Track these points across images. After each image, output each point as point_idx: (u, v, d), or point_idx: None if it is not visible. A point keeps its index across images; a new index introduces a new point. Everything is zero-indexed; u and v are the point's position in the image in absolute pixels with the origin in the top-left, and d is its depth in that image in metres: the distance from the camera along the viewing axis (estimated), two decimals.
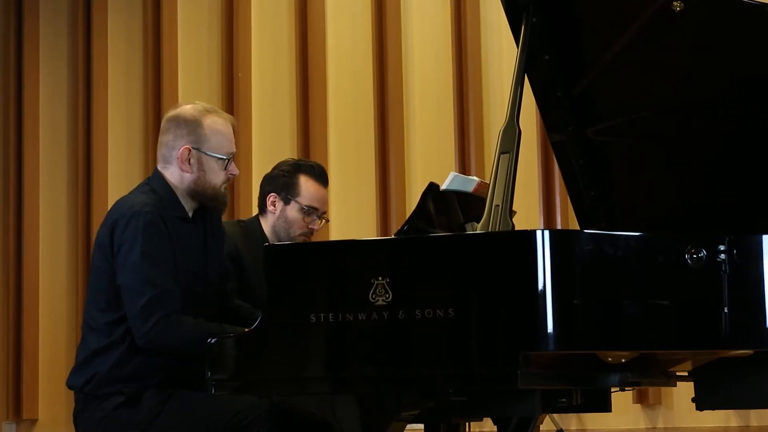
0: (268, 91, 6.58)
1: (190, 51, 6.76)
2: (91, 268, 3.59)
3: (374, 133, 6.30)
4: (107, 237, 3.49)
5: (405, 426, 3.24)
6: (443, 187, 3.40)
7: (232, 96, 6.61)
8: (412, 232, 3.14)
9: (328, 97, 6.45)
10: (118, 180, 6.73)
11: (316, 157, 6.33)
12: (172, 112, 3.64)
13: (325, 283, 2.96)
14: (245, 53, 6.62)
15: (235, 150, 3.64)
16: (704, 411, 3.36)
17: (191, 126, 3.57)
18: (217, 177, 3.59)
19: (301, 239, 4.12)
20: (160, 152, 3.62)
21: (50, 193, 7.00)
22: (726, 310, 2.84)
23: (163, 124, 3.64)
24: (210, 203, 3.61)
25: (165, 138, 3.61)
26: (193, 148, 3.55)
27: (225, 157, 3.57)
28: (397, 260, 2.91)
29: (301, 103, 6.48)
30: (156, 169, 3.62)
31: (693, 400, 3.32)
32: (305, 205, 4.10)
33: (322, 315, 2.90)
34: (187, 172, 3.56)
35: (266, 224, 4.12)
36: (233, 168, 3.62)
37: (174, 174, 3.58)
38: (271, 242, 4.07)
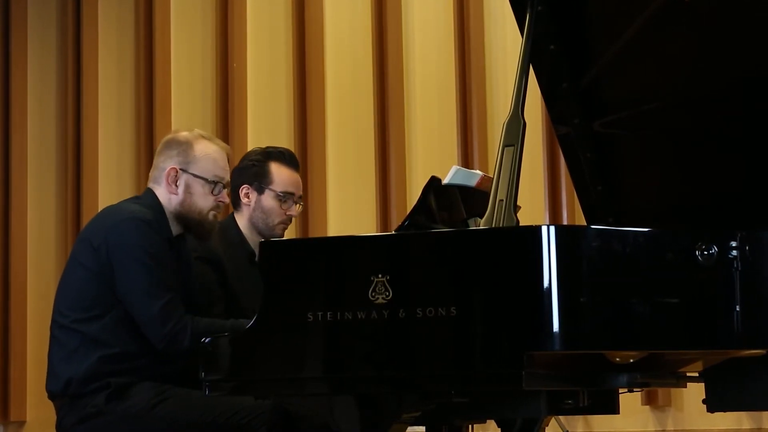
0: (264, 81, 6.58)
1: (184, 39, 6.76)
2: (72, 266, 3.59)
3: (374, 125, 6.30)
4: (101, 240, 3.50)
5: (406, 428, 3.24)
6: (445, 181, 3.41)
7: (227, 87, 6.61)
8: (413, 228, 3.14)
9: (326, 88, 6.45)
10: (109, 176, 6.73)
11: (313, 151, 6.34)
12: (168, 136, 3.74)
13: (323, 280, 2.96)
14: (240, 42, 6.62)
15: (226, 177, 3.69)
16: (715, 413, 3.37)
17: (182, 147, 3.66)
18: (203, 201, 3.64)
19: (280, 228, 4.14)
20: (152, 174, 3.71)
21: (38, 190, 7.00)
22: (738, 309, 2.85)
23: (158, 147, 3.73)
24: (195, 228, 3.66)
25: (157, 160, 3.70)
26: (180, 169, 3.62)
27: (212, 180, 3.61)
28: (398, 257, 2.92)
29: (298, 94, 6.48)
30: (148, 187, 3.67)
31: (704, 401, 3.33)
32: (280, 192, 4.12)
33: (320, 314, 2.90)
34: (174, 193, 3.63)
35: (242, 219, 4.13)
36: (223, 195, 3.67)
37: (163, 195, 3.65)
38: (249, 238, 4.10)
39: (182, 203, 3.63)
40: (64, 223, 6.93)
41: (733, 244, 2.86)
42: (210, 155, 3.66)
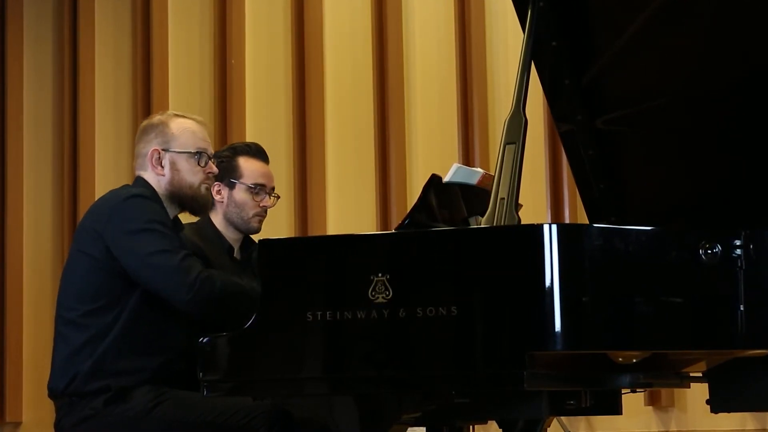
0: (263, 78, 6.58)
1: (181, 36, 6.76)
2: (74, 256, 3.59)
3: (374, 122, 6.29)
4: (102, 225, 3.51)
5: (406, 429, 3.25)
6: (446, 179, 3.41)
7: (225, 84, 6.61)
8: (413, 227, 3.15)
9: (326, 86, 6.44)
10: (106, 172, 6.73)
11: (313, 149, 6.34)
12: (142, 123, 3.75)
13: (322, 279, 2.96)
14: (239, 39, 6.62)
15: (208, 148, 3.70)
16: (719, 414, 3.37)
17: (158, 128, 3.68)
18: (193, 175, 3.65)
19: (256, 220, 4.17)
20: (136, 162, 3.72)
21: (35, 187, 7.00)
22: (742, 308, 2.85)
23: (136, 135, 3.74)
24: (190, 204, 3.67)
25: (137, 148, 3.72)
26: (162, 149, 3.63)
27: (195, 152, 3.62)
28: (398, 256, 2.92)
29: (297, 91, 6.48)
30: (137, 175, 3.69)
31: (707, 402, 3.33)
32: (251, 184, 4.15)
33: (319, 313, 2.90)
34: (161, 174, 3.64)
35: (217, 218, 4.16)
36: (210, 166, 3.67)
37: (151, 179, 3.67)
38: (226, 236, 4.13)
39: (171, 182, 3.64)
40: (61, 221, 6.93)
41: (737, 243, 2.86)
42: (188, 128, 3.68)
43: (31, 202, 7.00)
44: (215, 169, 3.73)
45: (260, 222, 4.18)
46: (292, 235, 6.16)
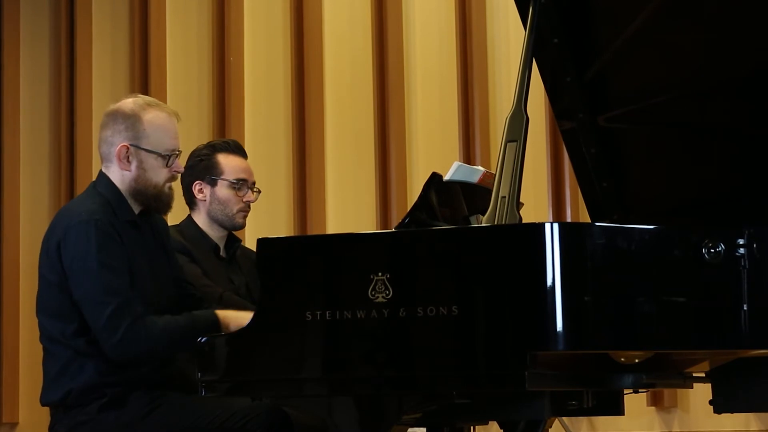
0: (262, 75, 6.58)
1: (179, 33, 6.75)
2: (40, 276, 3.57)
3: (374, 120, 6.29)
4: (54, 248, 3.48)
5: (406, 430, 3.24)
6: (447, 177, 3.41)
7: (224, 81, 6.61)
8: (413, 225, 3.14)
9: (325, 82, 6.44)
10: None
11: (312, 147, 6.34)
12: (111, 107, 3.64)
13: (321, 279, 2.96)
14: (237, 36, 6.62)
15: (178, 146, 3.62)
16: (722, 414, 3.37)
17: (129, 121, 3.57)
18: (158, 175, 3.58)
19: (240, 216, 4.18)
20: (100, 149, 3.62)
21: (31, 184, 6.99)
22: (745, 308, 2.85)
23: (102, 119, 3.64)
24: (152, 203, 3.60)
25: (103, 134, 3.61)
26: (131, 145, 3.55)
27: (165, 154, 3.57)
28: (398, 255, 2.92)
29: (296, 88, 6.48)
30: (100, 171, 3.62)
31: (711, 402, 3.33)
32: (233, 180, 4.17)
33: (318, 313, 2.90)
34: (126, 170, 3.56)
35: (200, 217, 4.17)
36: (177, 165, 3.61)
37: (115, 174, 3.58)
38: (210, 234, 4.14)
39: (136, 179, 3.57)
40: None
41: (741, 241, 2.86)
42: (161, 126, 3.58)
43: (27, 201, 6.99)
44: (181, 168, 3.68)
45: (244, 217, 4.20)
46: (292, 234, 6.16)
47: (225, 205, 4.16)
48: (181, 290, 3.70)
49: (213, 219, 4.16)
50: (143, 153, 3.56)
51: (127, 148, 3.55)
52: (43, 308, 3.55)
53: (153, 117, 3.59)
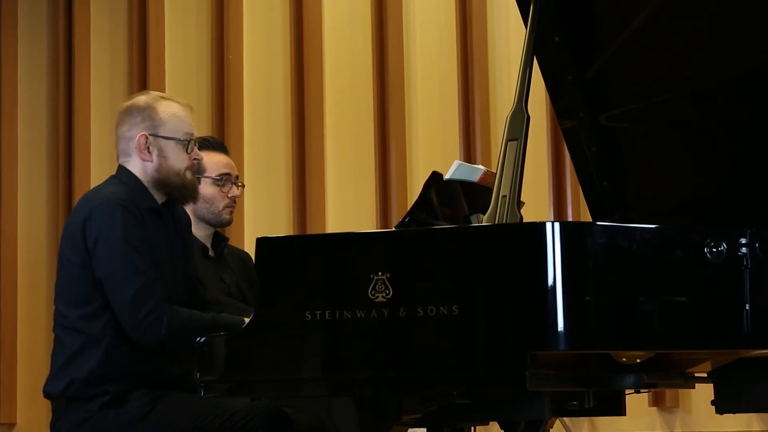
0: (261, 73, 6.58)
1: (178, 30, 6.75)
2: (60, 261, 3.58)
3: (374, 118, 6.29)
4: (79, 229, 3.50)
5: (406, 430, 3.25)
6: (447, 176, 3.41)
7: (223, 79, 6.61)
8: (413, 225, 3.15)
9: (325, 80, 6.44)
10: (101, 169, 6.71)
11: (312, 146, 6.34)
12: (124, 105, 3.69)
13: (321, 278, 2.96)
14: (236, 33, 6.62)
15: (194, 133, 3.67)
16: (724, 414, 3.37)
17: (145, 113, 3.62)
18: (179, 161, 3.61)
19: (227, 212, 4.20)
20: (119, 147, 3.65)
21: (29, 182, 6.99)
22: (747, 308, 2.85)
23: (117, 117, 3.68)
24: (177, 192, 3.63)
25: (121, 130, 3.65)
26: (149, 134, 3.59)
27: (184, 138, 3.60)
28: (398, 254, 2.92)
29: (295, 86, 6.47)
30: (119, 165, 3.64)
31: (712, 403, 3.33)
32: (216, 176, 4.19)
33: (318, 312, 2.90)
34: (148, 160, 3.59)
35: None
36: (196, 152, 3.65)
37: (136, 166, 3.61)
38: (197, 234, 4.13)
39: (158, 169, 3.60)
40: (56, 219, 6.92)
41: (743, 241, 2.86)
42: (176, 114, 3.63)
43: (25, 199, 6.99)
44: (201, 156, 3.71)
45: (231, 213, 4.22)
46: (291, 233, 6.16)
47: (210, 202, 4.17)
48: (194, 288, 3.70)
49: (200, 218, 4.16)
50: (162, 141, 3.60)
51: (146, 137, 3.59)
52: (61, 294, 3.57)
53: (167, 106, 3.64)
